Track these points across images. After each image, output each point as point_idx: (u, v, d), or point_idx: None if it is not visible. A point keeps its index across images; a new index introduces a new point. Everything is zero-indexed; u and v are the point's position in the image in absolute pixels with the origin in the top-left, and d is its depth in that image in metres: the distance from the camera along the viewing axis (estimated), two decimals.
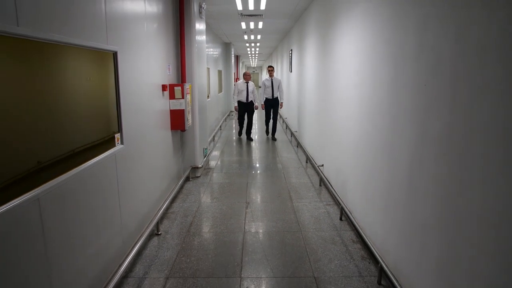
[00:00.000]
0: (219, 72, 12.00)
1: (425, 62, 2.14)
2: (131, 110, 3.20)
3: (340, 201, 3.98)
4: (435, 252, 2.05)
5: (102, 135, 2.69)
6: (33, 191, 1.82)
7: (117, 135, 2.94)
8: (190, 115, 5.05)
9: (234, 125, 11.46)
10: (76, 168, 2.25)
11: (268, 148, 7.80)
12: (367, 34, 3.25)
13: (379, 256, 2.81)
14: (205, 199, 4.63)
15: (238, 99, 8.53)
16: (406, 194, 2.43)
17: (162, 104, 4.35)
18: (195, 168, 5.55)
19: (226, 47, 13.55)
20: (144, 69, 3.63)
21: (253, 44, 14.56)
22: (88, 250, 2.39)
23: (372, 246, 2.99)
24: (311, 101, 6.45)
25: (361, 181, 3.46)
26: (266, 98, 8.50)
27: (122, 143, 2.99)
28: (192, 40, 5.22)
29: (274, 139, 8.67)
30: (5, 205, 1.62)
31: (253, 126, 8.78)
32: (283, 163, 6.47)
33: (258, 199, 4.60)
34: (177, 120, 4.70)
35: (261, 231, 3.64)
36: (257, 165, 6.38)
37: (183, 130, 4.87)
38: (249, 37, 11.60)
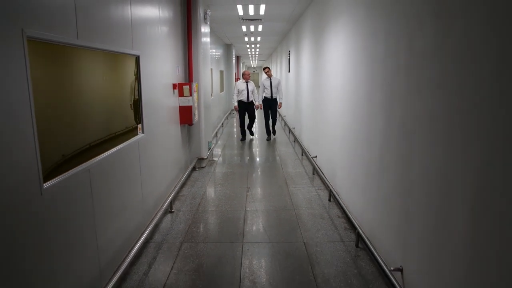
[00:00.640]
0: (221, 72, 12.58)
1: (390, 65, 2.72)
2: (149, 105, 3.78)
3: (329, 185, 4.55)
4: (395, 219, 2.62)
5: (131, 124, 3.27)
6: (86, 163, 2.39)
7: (139, 126, 3.52)
8: (196, 111, 5.63)
9: (235, 124, 12.03)
10: (113, 149, 2.82)
11: (268, 143, 8.37)
12: (349, 41, 3.83)
13: (358, 225, 3.39)
14: (211, 185, 5.21)
15: (239, 99, 8.53)
16: (378, 173, 3.00)
17: (173, 101, 4.92)
18: (200, 159, 6.13)
19: (228, 48, 14.13)
20: (159, 69, 4.21)
21: (253, 46, 15.13)
22: (121, 215, 2.97)
23: (354, 220, 3.56)
24: (307, 100, 7.03)
25: (346, 167, 4.04)
26: (265, 97, 8.57)
27: (143, 132, 3.57)
28: (198, 44, 5.79)
29: (269, 139, 8.75)
30: (70, 171, 2.19)
31: (253, 125, 9.02)
32: (281, 156, 7.05)
33: (258, 185, 5.18)
34: (186, 115, 5.28)
35: (260, 209, 4.22)
36: (257, 157, 6.96)
37: (190, 124, 5.45)
38: (249, 39, 12.18)
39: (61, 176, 2.09)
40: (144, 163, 3.59)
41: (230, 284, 2.73)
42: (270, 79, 8.48)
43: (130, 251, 2.99)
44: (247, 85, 8.47)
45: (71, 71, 2.28)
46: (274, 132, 9.06)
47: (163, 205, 4.03)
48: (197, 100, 5.70)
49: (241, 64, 23.09)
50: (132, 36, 3.27)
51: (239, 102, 8.57)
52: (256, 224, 3.79)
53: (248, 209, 4.24)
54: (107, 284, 2.54)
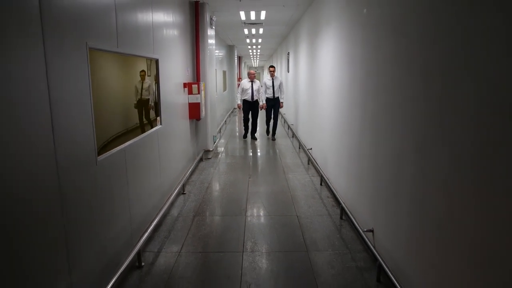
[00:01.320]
0: (224, 72, 13.22)
1: (365, 68, 3.36)
2: (165, 101, 4.42)
3: (321, 172, 5.19)
4: (369, 193, 3.26)
5: (153, 116, 3.92)
6: (122, 145, 3.04)
7: (158, 118, 4.16)
8: (203, 108, 6.27)
9: (237, 122, 12.67)
10: (140, 136, 3.47)
11: (268, 139, 9.01)
12: (337, 46, 4.47)
13: (342, 202, 4.02)
14: (216, 173, 5.86)
15: (244, 98, 8.59)
16: (357, 157, 3.64)
17: (183, 98, 5.57)
18: (207, 151, 6.78)
19: (230, 49, 14.77)
20: (172, 70, 4.85)
21: (254, 47, 15.77)
22: (145, 193, 3.61)
23: (340, 198, 4.19)
24: (303, 98, 7.67)
25: (334, 155, 4.67)
26: (267, 98, 8.61)
27: (161, 124, 4.22)
28: (205, 47, 6.44)
29: (273, 139, 8.80)
30: (112, 150, 2.83)
31: (256, 129, 9.06)
32: (280, 149, 7.69)
33: (258, 173, 5.83)
34: (194, 111, 5.92)
35: (260, 191, 4.86)
36: (258, 151, 7.60)
37: (198, 119, 6.10)
38: (251, 40, 12.81)
39: (107, 153, 2.73)
40: (162, 151, 4.24)
41: (236, 245, 3.37)
42: (273, 78, 8.59)
43: (152, 221, 3.63)
44: (252, 84, 8.54)
45: (112, 73, 2.92)
46: (273, 139, 8.82)
47: (176, 187, 4.67)
48: (204, 98, 6.34)
49: (243, 64, 23.73)
50: (153, 43, 3.92)
51: (244, 101, 8.63)
52: (257, 203, 4.44)
53: (250, 191, 4.88)
54: (136, 244, 3.18)
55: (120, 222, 2.96)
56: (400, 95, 2.53)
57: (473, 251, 1.72)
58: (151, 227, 3.45)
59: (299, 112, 8.55)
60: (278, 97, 8.69)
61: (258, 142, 8.49)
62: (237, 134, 10.14)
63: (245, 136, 8.92)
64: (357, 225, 3.43)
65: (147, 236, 3.31)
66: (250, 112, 8.70)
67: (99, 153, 2.60)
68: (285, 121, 11.43)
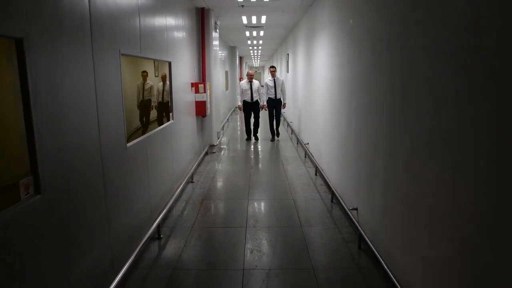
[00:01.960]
0: (226, 72, 13.78)
1: (351, 69, 3.90)
2: (176, 99, 4.96)
3: (316, 164, 5.74)
4: (354, 177, 3.80)
5: (167, 111, 4.47)
6: (144, 135, 3.59)
7: (171, 114, 4.71)
8: (209, 105, 6.82)
9: (238, 121, 13.22)
10: (158, 128, 4.02)
11: (267, 133, 9.55)
12: (328, 50, 5.01)
13: (333, 187, 4.56)
14: (221, 164, 6.42)
15: (243, 99, 8.51)
16: (345, 146, 4.18)
17: (190, 97, 6.12)
18: (211, 146, 7.33)
19: (232, 50, 15.32)
20: (181, 71, 5.40)
21: (255, 48, 16.32)
22: (160, 179, 4.16)
23: (331, 185, 4.73)
24: (301, 96, 8.22)
25: (327, 147, 5.21)
26: (269, 98, 8.52)
27: (173, 119, 4.77)
28: (210, 49, 6.99)
29: (273, 138, 8.78)
30: (138, 138, 3.38)
31: (258, 130, 9.03)
32: (279, 145, 8.24)
33: (259, 165, 6.39)
34: (200, 108, 6.47)
35: (261, 180, 5.41)
36: (259, 146, 8.15)
37: (204, 116, 6.64)
38: (252, 42, 13.36)
39: (133, 141, 3.28)
40: (174, 143, 4.79)
41: (240, 222, 3.91)
42: (274, 79, 8.50)
43: (167, 203, 4.17)
44: (251, 85, 8.45)
45: (137, 73, 3.47)
46: (278, 134, 8.94)
47: (185, 176, 5.22)
48: (209, 96, 6.89)
49: (244, 64, 24.28)
50: (167, 47, 4.47)
51: (244, 102, 8.54)
52: (258, 189, 4.99)
53: (252, 180, 5.43)
54: (155, 220, 3.72)
55: (142, 199, 3.51)
56: (376, 92, 3.08)
57: (427, 218, 2.26)
58: (166, 207, 4.00)
59: (297, 111, 9.10)
60: (280, 98, 8.58)
61: (258, 139, 9.03)
62: (239, 132, 10.68)
63: (248, 138, 8.78)
64: (344, 205, 3.98)
65: (164, 214, 3.85)
66: (252, 112, 8.63)
67: (128, 141, 3.15)
68: (284, 119, 11.98)
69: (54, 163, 1.97)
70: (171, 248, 3.36)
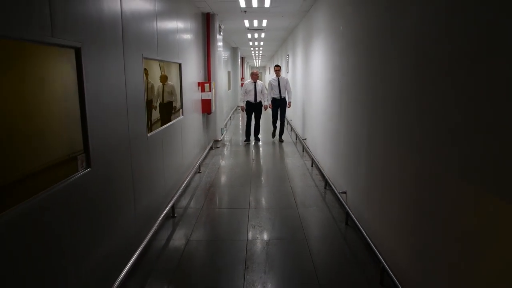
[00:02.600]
0: (228, 72, 14.31)
1: (341, 70, 4.43)
2: (185, 97, 5.50)
3: (312, 156, 6.27)
4: (344, 164, 4.32)
5: (178, 107, 5.02)
6: (159, 128, 4.12)
7: (181, 110, 5.25)
8: (213, 103, 7.35)
9: (240, 119, 13.75)
10: (171, 121, 4.56)
11: (269, 133, 10.08)
12: (323, 53, 5.55)
13: (326, 175, 5.09)
14: (225, 158, 6.96)
15: (247, 99, 8.33)
16: (336, 138, 4.71)
17: (197, 95, 6.65)
18: (216, 141, 7.87)
19: (234, 51, 15.86)
20: (190, 72, 5.94)
21: (257, 48, 16.85)
22: (171, 169, 4.69)
23: (325, 173, 5.26)
24: (300, 95, 8.75)
25: (322, 141, 5.75)
26: (273, 98, 8.36)
27: (183, 114, 5.30)
28: (215, 51, 7.53)
29: (281, 140, 8.57)
30: (155, 130, 3.92)
31: (259, 131, 8.88)
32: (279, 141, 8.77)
33: (260, 158, 6.92)
34: (206, 106, 7.00)
35: (262, 170, 5.94)
36: (260, 142, 8.68)
37: (209, 113, 7.18)
38: (253, 43, 13.90)
39: (152, 132, 3.82)
40: (183, 136, 5.32)
41: (243, 203, 4.45)
42: (278, 78, 8.33)
43: (178, 188, 4.71)
44: (255, 85, 8.26)
45: (152, 74, 4.01)
46: (281, 140, 8.60)
47: (193, 167, 5.76)
48: (214, 95, 7.43)
49: (245, 64, 24.82)
50: (178, 50, 5.00)
51: (247, 102, 8.37)
52: (259, 178, 5.53)
53: (253, 171, 5.96)
54: (170, 201, 4.24)
55: (159, 184, 4.04)
56: (361, 90, 3.61)
57: (402, 196, 2.79)
58: (178, 192, 4.53)
59: (296, 109, 9.63)
60: (284, 98, 8.41)
61: (259, 136, 9.56)
62: (241, 129, 11.21)
63: (247, 140, 8.59)
64: (335, 189, 4.51)
65: (177, 197, 4.38)
66: (253, 114, 8.42)
67: (148, 131, 3.68)
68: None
69: (99, 144, 2.51)
70: (185, 224, 3.90)
